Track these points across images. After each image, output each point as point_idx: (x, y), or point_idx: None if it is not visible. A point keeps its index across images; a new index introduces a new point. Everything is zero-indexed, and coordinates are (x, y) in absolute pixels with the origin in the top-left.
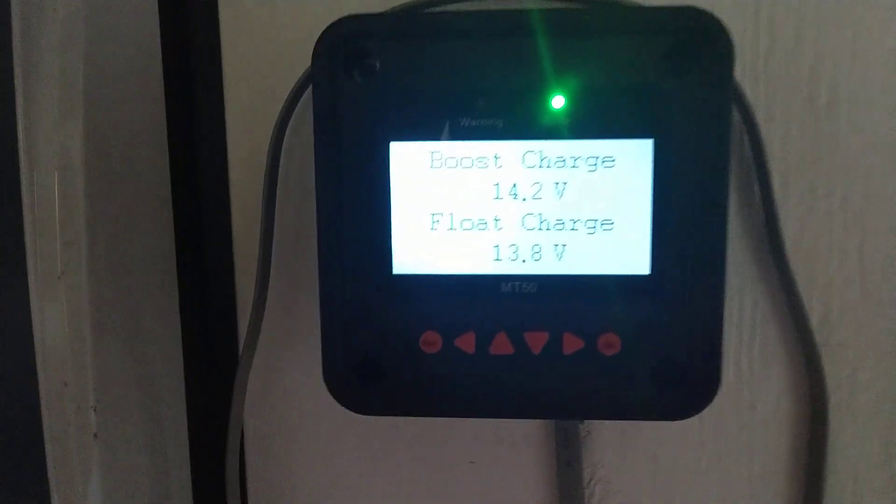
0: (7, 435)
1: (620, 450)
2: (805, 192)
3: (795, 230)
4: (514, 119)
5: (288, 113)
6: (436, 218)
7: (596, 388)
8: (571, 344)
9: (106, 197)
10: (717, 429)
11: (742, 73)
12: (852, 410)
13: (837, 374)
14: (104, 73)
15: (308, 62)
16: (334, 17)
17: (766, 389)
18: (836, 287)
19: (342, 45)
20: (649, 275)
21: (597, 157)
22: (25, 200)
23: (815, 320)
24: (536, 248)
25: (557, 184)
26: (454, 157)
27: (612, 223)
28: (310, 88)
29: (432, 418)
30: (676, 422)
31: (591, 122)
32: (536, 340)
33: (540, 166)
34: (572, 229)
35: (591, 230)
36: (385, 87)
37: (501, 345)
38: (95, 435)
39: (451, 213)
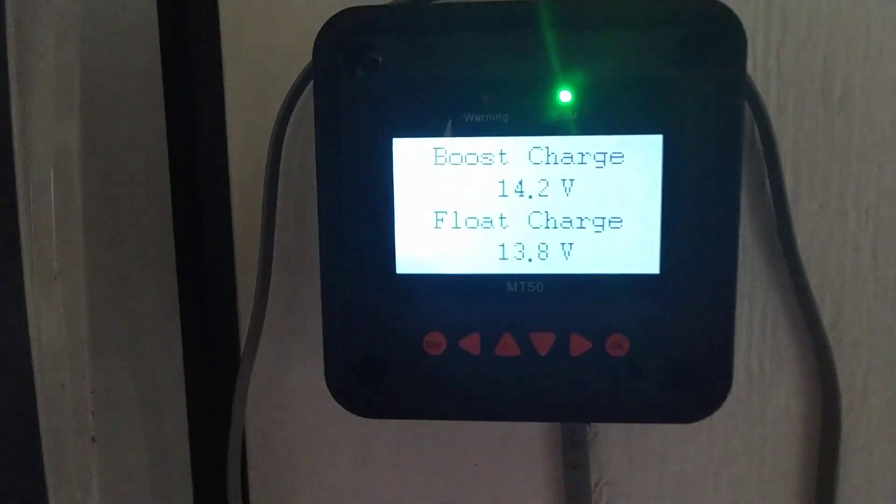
0: (3, 439)
1: (628, 452)
2: (817, 189)
3: (808, 227)
4: (520, 114)
5: (289, 109)
6: (440, 216)
7: (604, 390)
8: (579, 345)
9: (104, 195)
10: (727, 430)
11: (753, 66)
12: (865, 411)
13: (850, 374)
14: (101, 69)
15: (309, 56)
16: (336, 10)
17: (777, 390)
18: (848, 285)
19: (344, 38)
20: (658, 274)
21: (605, 154)
22: (21, 199)
23: (827, 319)
24: (543, 247)
25: (564, 180)
26: (458, 154)
27: (620, 221)
28: (311, 84)
29: (436, 420)
30: (684, 424)
31: (598, 117)
32: (543, 341)
33: (547, 162)
34: (580, 227)
35: (599, 228)
36: (388, 82)
37: (507, 346)
38: (94, 438)
39: (456, 211)
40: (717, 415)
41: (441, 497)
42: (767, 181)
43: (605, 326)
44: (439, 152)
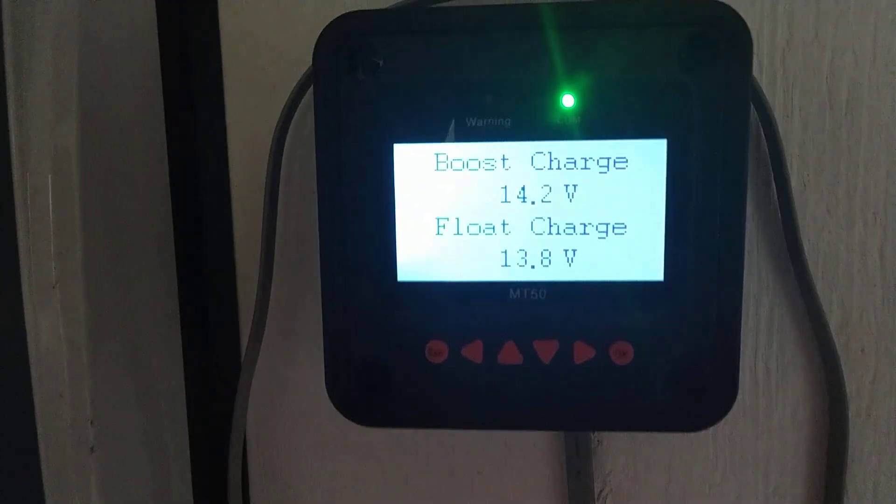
0: (1, 449)
1: (632, 460)
2: (824, 192)
3: (814, 232)
4: (523, 119)
5: (289, 114)
6: (441, 222)
7: (608, 398)
8: (582, 353)
9: (102, 201)
10: (733, 438)
11: (759, 69)
12: (873, 418)
13: (858, 380)
14: (100, 73)
15: (310, 61)
16: (336, 14)
17: (783, 397)
18: (856, 291)
19: (344, 42)
20: (663, 281)
21: (608, 158)
22: (18, 206)
23: (834, 325)
24: (546, 254)
25: (568, 186)
26: (460, 159)
27: (624, 227)
28: (311, 89)
29: (438, 429)
30: (690, 432)
31: (602, 121)
32: (546, 349)
33: (549, 168)
34: (583, 233)
35: (603, 234)
36: (389, 86)
37: (510, 354)
38: (92, 449)
39: (458, 218)
40: (722, 422)
41: None
42: (773, 185)
43: (609, 334)
44: (441, 158)
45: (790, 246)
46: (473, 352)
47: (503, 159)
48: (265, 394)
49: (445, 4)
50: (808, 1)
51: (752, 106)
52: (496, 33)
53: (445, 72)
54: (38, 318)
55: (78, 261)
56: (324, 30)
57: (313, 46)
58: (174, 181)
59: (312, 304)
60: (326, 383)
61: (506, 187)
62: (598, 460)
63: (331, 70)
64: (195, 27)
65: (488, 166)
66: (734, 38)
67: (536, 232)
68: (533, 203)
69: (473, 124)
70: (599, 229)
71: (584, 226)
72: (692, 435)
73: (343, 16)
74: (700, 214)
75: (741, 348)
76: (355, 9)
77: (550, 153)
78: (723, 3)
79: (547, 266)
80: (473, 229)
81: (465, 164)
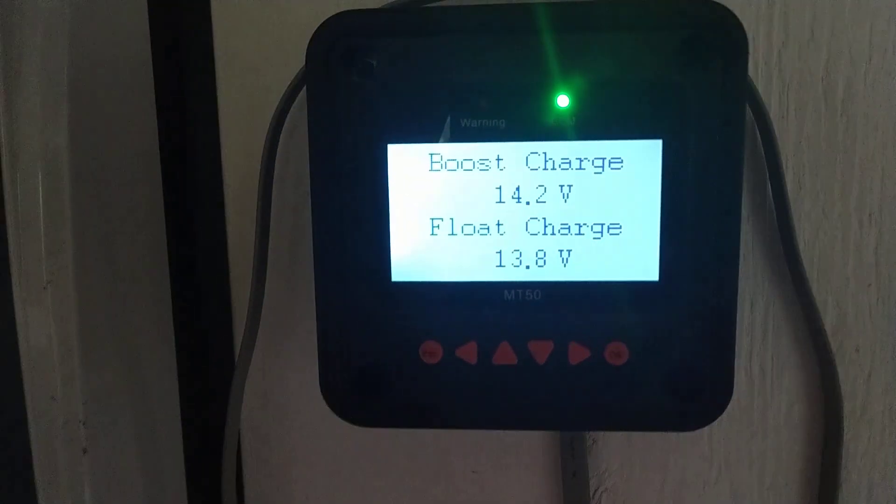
0: None
1: (628, 459)
2: (820, 193)
3: (810, 232)
4: (518, 119)
5: (283, 114)
6: (436, 223)
7: (603, 398)
8: (577, 353)
9: (94, 201)
10: (728, 437)
11: (755, 69)
12: (868, 418)
13: (853, 380)
14: (91, 73)
15: (303, 61)
16: (330, 13)
17: (778, 397)
18: (851, 290)
19: (337, 42)
20: (658, 281)
21: (603, 159)
22: (9, 205)
23: (829, 325)
24: (541, 254)
25: (562, 186)
26: (455, 160)
27: (619, 227)
28: (305, 89)
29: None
30: (685, 432)
31: (597, 121)
32: (541, 350)
33: (544, 168)
34: (578, 234)
35: (598, 235)
36: (382, 87)
37: (504, 354)
38: (85, 450)
39: (452, 218)
40: (717, 421)
41: None
42: (769, 185)
43: (604, 334)
44: (435, 158)
45: (785, 246)
46: (468, 352)
47: (498, 159)
48: (259, 394)
49: (439, 4)
50: (804, 2)
51: (747, 106)
52: (491, 33)
53: (440, 72)
54: (30, 319)
55: (69, 261)
56: (317, 30)
57: (306, 46)
58: (167, 181)
59: (306, 304)
60: (321, 383)
61: (500, 187)
62: (594, 460)
63: (324, 70)
64: (187, 26)
65: (483, 166)
66: (730, 38)
67: (531, 232)
68: (528, 203)
69: (468, 124)
70: (594, 230)
71: (579, 226)
72: (687, 434)
73: (336, 15)
74: (695, 215)
75: (736, 347)
76: (348, 8)
77: (545, 153)
78: (719, 4)
79: (542, 266)
80: (468, 229)
81: (460, 165)
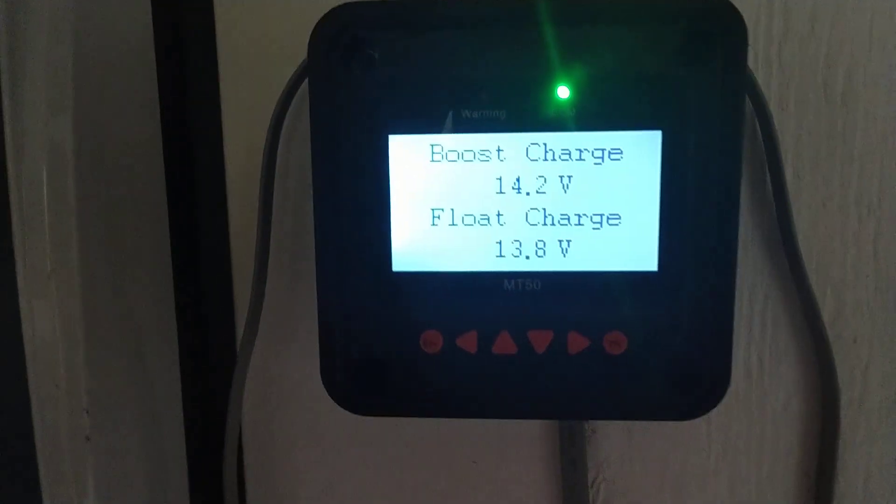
0: None
1: (626, 449)
2: (819, 185)
3: (808, 223)
4: (518, 110)
5: (285, 106)
6: (436, 213)
7: (602, 388)
8: (576, 343)
9: (98, 192)
10: (726, 427)
11: (755, 61)
12: (865, 408)
13: (850, 370)
14: (95, 66)
15: (305, 53)
16: (332, 5)
17: (776, 387)
18: (849, 282)
19: (339, 34)
20: (657, 272)
21: (603, 150)
22: (13, 197)
23: (827, 316)
24: (541, 244)
25: (562, 177)
26: (455, 150)
27: (618, 218)
28: (307, 81)
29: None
30: (683, 421)
31: (597, 112)
32: (540, 339)
33: (544, 159)
34: (578, 224)
35: (597, 225)
36: (383, 78)
37: (504, 344)
38: (88, 438)
39: (453, 209)
40: (715, 411)
41: (438, 494)
42: (768, 177)
43: (603, 324)
44: (436, 149)
45: (784, 237)
46: (468, 342)
47: (498, 150)
48: (261, 383)
49: None
50: None
51: (747, 98)
52: (491, 25)
53: (441, 63)
54: (34, 308)
55: (73, 251)
56: (318, 22)
57: (308, 38)
58: (170, 172)
59: (308, 293)
60: (322, 373)
61: (501, 178)
62: (592, 450)
63: (326, 62)
64: (190, 19)
65: (483, 157)
66: (730, 30)
67: (531, 223)
68: (528, 194)
69: (469, 115)
70: (594, 220)
71: (579, 217)
72: (686, 424)
73: (338, 7)
74: (694, 205)
75: (734, 338)
76: (350, 0)
77: (545, 144)
78: None
79: (542, 257)
80: (468, 220)
81: (461, 156)
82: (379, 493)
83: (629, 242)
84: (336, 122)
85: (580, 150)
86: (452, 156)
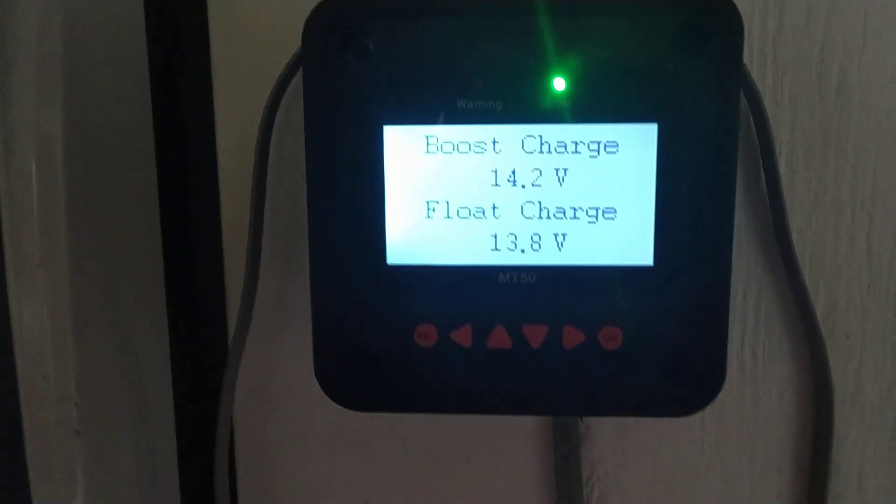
0: None
1: (620, 446)
2: (812, 180)
3: (802, 219)
4: (514, 102)
5: (278, 96)
6: (431, 206)
7: (597, 383)
8: (572, 337)
9: (88, 184)
10: (720, 424)
11: (750, 55)
12: (858, 405)
13: (843, 367)
14: (85, 56)
15: (299, 42)
16: None
17: (769, 383)
18: (843, 278)
19: (333, 23)
20: (652, 266)
21: (599, 142)
22: (2, 187)
23: (821, 312)
24: (536, 238)
25: (558, 170)
26: (451, 142)
27: (614, 212)
28: (300, 70)
29: (427, 413)
30: (678, 417)
31: (593, 104)
32: (535, 334)
33: (540, 151)
34: (573, 218)
35: (593, 219)
36: (378, 69)
37: (499, 338)
38: (77, 431)
39: (448, 201)
40: (709, 408)
41: (432, 491)
42: (763, 172)
43: (598, 319)
44: (431, 140)
45: (778, 232)
46: (463, 336)
47: (493, 142)
48: (253, 377)
49: None
50: None
51: (742, 92)
52: (488, 16)
53: (436, 53)
54: (22, 299)
55: (62, 242)
56: (313, 11)
57: (302, 27)
58: (161, 163)
59: (301, 287)
60: (315, 367)
61: (496, 171)
62: (586, 447)
63: (320, 52)
64: (182, 9)
65: (479, 149)
66: (726, 23)
67: (526, 216)
68: (523, 187)
69: (464, 107)
70: (589, 214)
71: (575, 210)
72: (680, 420)
73: None
74: (690, 200)
75: (729, 335)
76: None
77: (541, 136)
78: None
79: (537, 250)
80: (463, 213)
81: (456, 147)
82: (371, 489)
83: (625, 236)
84: (330, 113)
85: (576, 143)
86: (447, 147)
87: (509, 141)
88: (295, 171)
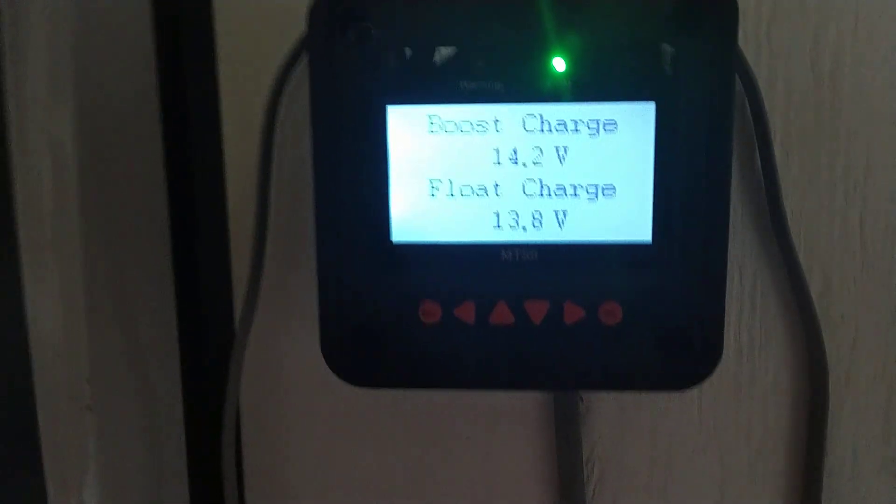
0: None
1: (619, 426)
2: (807, 162)
3: (796, 200)
4: (515, 81)
5: (283, 79)
6: (434, 184)
7: (597, 358)
8: (572, 313)
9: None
10: (716, 404)
11: (744, 39)
12: (853, 384)
13: (838, 347)
14: (94, 48)
15: (303, 25)
16: None
17: (765, 363)
18: (836, 258)
19: (337, 6)
20: (651, 243)
21: (598, 121)
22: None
23: (815, 292)
24: (537, 215)
25: (559, 148)
26: (453, 121)
27: (613, 189)
28: (304, 55)
29: (429, 393)
30: (675, 397)
31: (592, 84)
32: (537, 310)
33: (541, 130)
34: (573, 195)
35: (593, 197)
36: (381, 49)
37: (502, 314)
38: (89, 407)
39: (451, 180)
40: (706, 387)
41: (435, 471)
42: (757, 154)
43: (598, 295)
44: (433, 119)
45: (773, 214)
46: (466, 312)
47: (495, 122)
48: (259, 355)
49: None
50: None
51: (737, 76)
52: None
53: (438, 35)
54: (36, 279)
55: (74, 225)
56: None
57: (307, 10)
58: (167, 147)
59: (307, 269)
60: (321, 343)
61: (498, 150)
62: (586, 426)
63: (324, 34)
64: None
65: (480, 129)
66: (721, 7)
67: (528, 194)
68: (524, 165)
69: (466, 87)
70: (589, 191)
71: (575, 188)
72: (677, 400)
73: None
74: (687, 178)
75: (725, 315)
76: None
77: (542, 115)
78: None
79: (538, 228)
80: (466, 191)
81: (458, 127)
82: (374, 468)
83: (624, 214)
84: (335, 94)
85: (576, 122)
86: (450, 127)
87: (510, 120)
88: (300, 154)
